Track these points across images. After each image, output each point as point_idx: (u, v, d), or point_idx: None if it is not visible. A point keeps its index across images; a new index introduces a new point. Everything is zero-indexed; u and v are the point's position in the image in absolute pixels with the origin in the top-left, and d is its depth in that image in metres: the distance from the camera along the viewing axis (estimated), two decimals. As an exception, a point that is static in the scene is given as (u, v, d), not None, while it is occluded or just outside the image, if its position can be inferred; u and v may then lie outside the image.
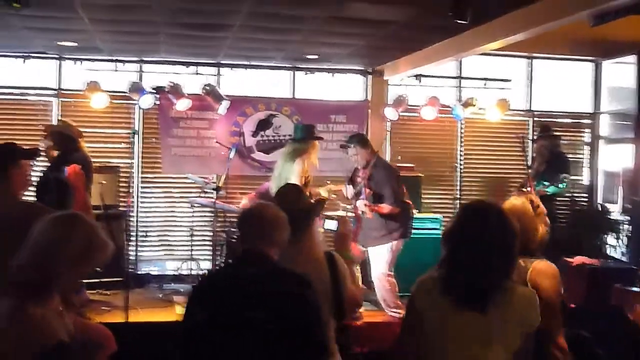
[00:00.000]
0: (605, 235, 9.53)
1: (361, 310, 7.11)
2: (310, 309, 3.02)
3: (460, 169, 10.19)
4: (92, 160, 7.33)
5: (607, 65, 10.40)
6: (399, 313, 7.03)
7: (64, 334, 2.56)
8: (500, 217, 2.90)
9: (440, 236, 3.01)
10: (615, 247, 9.37)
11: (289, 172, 6.99)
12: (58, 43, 8.23)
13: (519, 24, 6.26)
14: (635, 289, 6.39)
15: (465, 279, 2.82)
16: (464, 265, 2.83)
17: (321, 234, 3.86)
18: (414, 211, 7.65)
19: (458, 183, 10.16)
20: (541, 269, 3.33)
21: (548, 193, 7.83)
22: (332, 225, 4.15)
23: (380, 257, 7.08)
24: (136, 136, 9.21)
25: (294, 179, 6.83)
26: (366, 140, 7.45)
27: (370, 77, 9.92)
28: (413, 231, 7.43)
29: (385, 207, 6.99)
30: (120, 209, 8.62)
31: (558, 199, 8.94)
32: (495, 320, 2.79)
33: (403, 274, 7.49)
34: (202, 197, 8.63)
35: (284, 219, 3.26)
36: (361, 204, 7.01)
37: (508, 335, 2.81)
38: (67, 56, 9.03)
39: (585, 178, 10.54)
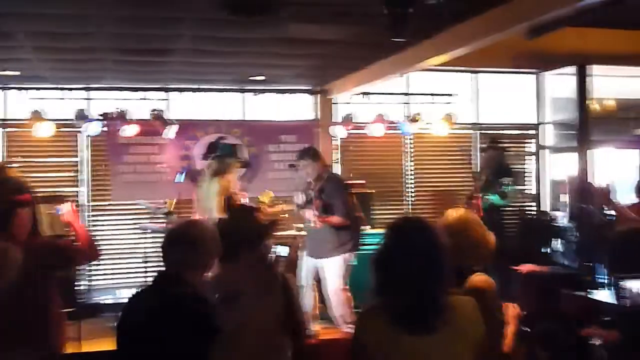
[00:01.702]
0: (554, 243, 9.70)
1: (317, 328, 7.17)
2: (209, 332, 2.99)
3: (410, 183, 10.31)
4: (41, 190, 7.25)
5: (549, 76, 10.67)
6: (355, 329, 7.05)
7: None
8: (427, 233, 2.77)
9: (370, 261, 2.78)
10: (564, 253, 9.55)
11: (209, 191, 7.17)
12: (1, 73, 8.12)
13: (460, 38, 6.39)
14: (581, 293, 6.53)
15: (405, 302, 2.66)
16: (400, 288, 2.67)
17: (273, 256, 3.87)
18: (367, 227, 7.70)
19: (408, 198, 10.29)
20: (477, 282, 3.28)
21: (494, 202, 7.98)
22: (284, 251, 4.14)
23: (334, 271, 7.10)
24: (84, 164, 9.13)
25: (216, 200, 7.00)
26: (318, 153, 7.51)
27: (317, 96, 10.02)
28: (365, 247, 7.48)
29: (335, 219, 7.04)
30: (70, 238, 8.49)
31: (506, 209, 9.08)
32: (446, 338, 2.67)
33: (355, 289, 7.55)
34: (153, 222, 8.57)
35: (208, 239, 3.20)
36: (310, 214, 7.06)
37: (463, 350, 2.70)
38: (11, 85, 8.93)
39: (532, 187, 10.76)
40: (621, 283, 2.73)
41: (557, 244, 9.76)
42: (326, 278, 7.20)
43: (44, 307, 4.14)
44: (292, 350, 3.57)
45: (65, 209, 4.52)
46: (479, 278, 3.31)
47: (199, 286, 3.14)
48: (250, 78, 8.95)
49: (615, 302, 2.95)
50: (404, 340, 2.65)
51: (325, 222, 7.01)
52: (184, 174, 8.46)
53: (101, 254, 4.53)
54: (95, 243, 4.52)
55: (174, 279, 3.10)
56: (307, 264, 7.23)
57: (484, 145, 9.36)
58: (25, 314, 4.02)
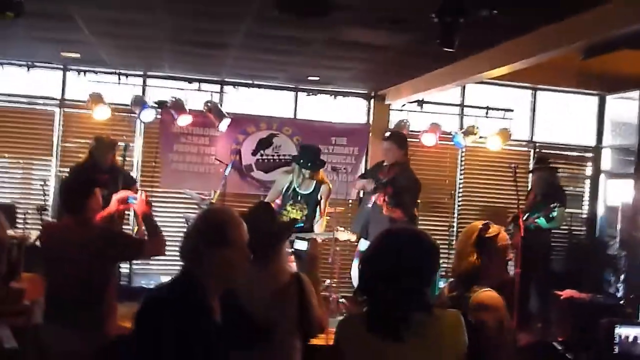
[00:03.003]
0: (603, 270, 9.45)
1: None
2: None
3: (459, 196, 10.16)
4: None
5: (612, 99, 10.38)
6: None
7: None
8: (408, 241, 2.71)
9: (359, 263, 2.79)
10: (611, 282, 9.29)
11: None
12: (62, 54, 8.31)
13: (516, 53, 6.27)
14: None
15: (379, 309, 2.65)
16: (376, 294, 2.66)
17: (289, 254, 3.80)
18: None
19: (455, 211, 10.14)
20: (482, 300, 3.20)
21: (539, 225, 7.77)
22: (302, 245, 4.04)
23: None
24: (136, 150, 9.28)
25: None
26: (405, 141, 7.63)
27: (372, 101, 9.97)
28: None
29: (397, 212, 7.09)
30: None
31: (555, 231, 8.87)
32: (418, 350, 2.62)
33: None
34: (197, 213, 8.63)
35: (222, 230, 2.78)
36: (380, 198, 7.13)
37: None
38: (71, 67, 9.13)
39: (585, 211, 10.49)
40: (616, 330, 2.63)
41: (607, 272, 9.51)
42: None
43: (100, 292, 4.19)
44: (302, 350, 3.53)
45: (138, 198, 4.40)
46: (486, 294, 3.23)
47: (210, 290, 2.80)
48: (306, 78, 8.97)
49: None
50: (376, 347, 2.63)
51: (389, 212, 7.05)
52: (229, 167, 8.50)
53: (166, 251, 4.28)
54: (164, 239, 4.31)
55: (181, 277, 2.84)
56: None
57: (535, 166, 9.05)
58: (82, 295, 4.09)
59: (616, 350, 2.59)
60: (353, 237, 7.49)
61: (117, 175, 7.45)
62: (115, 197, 4.55)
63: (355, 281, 7.33)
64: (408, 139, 9.52)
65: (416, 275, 2.65)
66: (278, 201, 7.41)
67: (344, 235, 7.40)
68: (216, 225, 2.80)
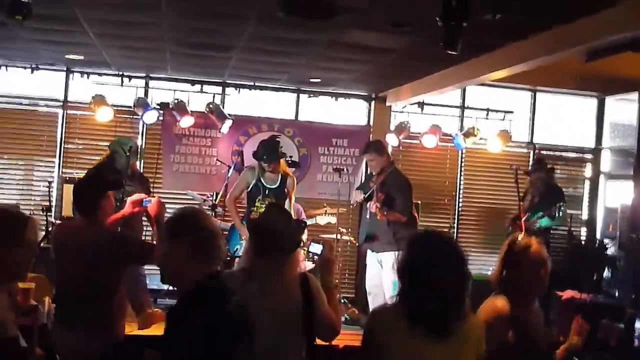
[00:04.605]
0: (602, 271, 9.49)
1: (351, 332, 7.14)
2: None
3: (459, 198, 10.21)
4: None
5: (611, 101, 10.44)
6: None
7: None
8: (452, 245, 2.94)
9: (396, 269, 2.98)
10: (610, 282, 9.33)
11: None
12: (66, 56, 8.35)
13: (518, 56, 6.32)
14: (621, 325, 6.38)
15: (431, 309, 2.82)
16: (427, 296, 2.82)
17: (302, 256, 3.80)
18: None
19: (456, 212, 10.19)
20: (482, 310, 3.35)
21: (541, 225, 7.82)
22: (317, 248, 4.01)
23: (390, 266, 7.06)
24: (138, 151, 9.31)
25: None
26: (383, 147, 7.67)
27: (373, 102, 10.02)
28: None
29: (395, 215, 7.14)
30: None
31: (554, 231, 8.92)
32: (459, 347, 2.86)
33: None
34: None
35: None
36: (372, 205, 7.16)
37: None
38: (75, 69, 9.18)
39: (584, 213, 10.54)
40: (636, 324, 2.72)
41: (606, 272, 9.55)
42: (384, 272, 7.23)
43: (109, 293, 4.21)
44: (306, 350, 3.52)
45: (152, 201, 4.36)
46: (487, 305, 3.37)
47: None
48: (307, 80, 9.02)
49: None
50: (424, 344, 2.82)
51: (384, 217, 7.10)
52: (232, 169, 8.54)
53: None
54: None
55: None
56: (373, 268, 7.34)
57: (535, 167, 9.08)
58: (91, 295, 4.12)
59: (636, 343, 2.65)
60: (333, 219, 7.55)
61: (143, 180, 7.56)
62: (130, 200, 4.55)
63: (373, 289, 7.39)
64: (408, 141, 9.69)
65: (461, 282, 2.87)
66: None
67: (323, 219, 7.48)
68: None
